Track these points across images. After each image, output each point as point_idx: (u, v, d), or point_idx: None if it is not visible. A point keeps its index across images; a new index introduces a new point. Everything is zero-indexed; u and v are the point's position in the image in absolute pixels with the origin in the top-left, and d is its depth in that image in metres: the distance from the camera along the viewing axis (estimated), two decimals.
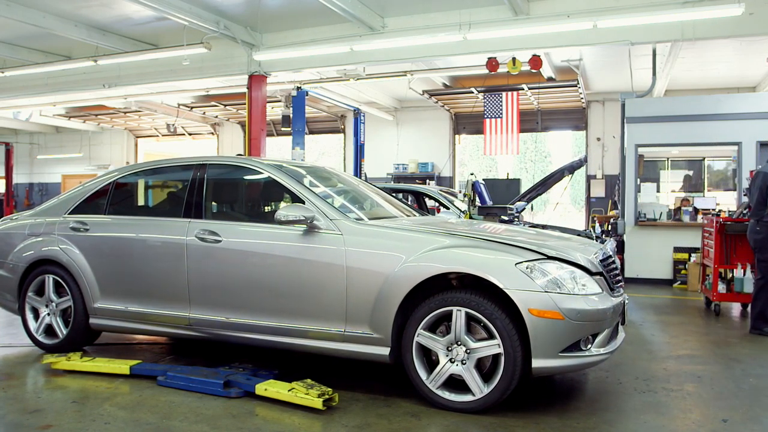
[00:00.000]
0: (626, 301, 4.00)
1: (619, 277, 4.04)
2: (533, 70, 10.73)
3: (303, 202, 4.09)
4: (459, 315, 3.53)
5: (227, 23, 9.53)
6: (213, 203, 4.60)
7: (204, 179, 4.54)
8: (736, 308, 7.32)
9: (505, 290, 3.43)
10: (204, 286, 4.27)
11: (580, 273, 3.57)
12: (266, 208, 5.05)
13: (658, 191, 11.35)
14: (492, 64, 10.28)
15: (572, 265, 3.58)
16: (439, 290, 3.64)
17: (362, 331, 3.77)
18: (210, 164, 4.65)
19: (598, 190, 15.60)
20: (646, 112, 9.58)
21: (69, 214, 4.99)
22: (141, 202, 5.47)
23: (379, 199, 5.04)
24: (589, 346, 3.52)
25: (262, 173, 4.46)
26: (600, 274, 3.69)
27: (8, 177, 19.80)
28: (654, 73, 10.09)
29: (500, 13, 8.66)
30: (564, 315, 3.38)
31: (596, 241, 6.72)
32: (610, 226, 11.66)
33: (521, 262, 3.50)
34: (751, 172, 7.97)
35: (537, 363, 3.41)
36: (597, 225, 12.97)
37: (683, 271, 9.27)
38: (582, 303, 3.45)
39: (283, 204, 4.61)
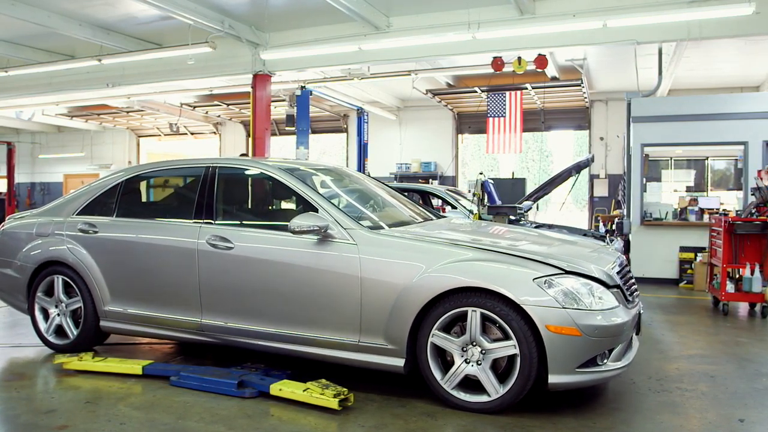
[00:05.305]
0: (641, 311, 3.97)
1: (635, 287, 4.01)
2: (538, 70, 10.71)
3: (316, 210, 4.03)
4: (474, 316, 3.51)
5: (232, 22, 9.51)
6: (224, 207, 4.52)
7: (215, 182, 4.47)
8: (743, 308, 7.30)
9: (522, 306, 3.40)
10: (215, 292, 4.22)
11: (597, 287, 3.54)
12: (279, 213, 4.96)
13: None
14: (497, 63, 10.26)
15: (589, 279, 3.55)
16: (453, 292, 3.59)
17: (377, 342, 3.72)
18: (221, 167, 4.57)
19: (601, 190, 15.61)
20: (652, 112, 9.55)
21: (77, 214, 4.94)
22: (150, 204, 5.41)
23: (392, 201, 4.98)
24: (606, 360, 3.50)
25: (274, 178, 4.35)
26: (617, 286, 3.66)
27: (10, 176, 19.74)
28: (660, 73, 10.06)
29: (506, 13, 8.63)
30: (581, 331, 3.35)
31: (604, 240, 6.72)
32: (614, 226, 11.66)
33: (539, 277, 3.47)
34: (759, 171, 7.96)
35: (554, 378, 3.39)
36: (601, 224, 12.98)
37: (689, 271, 9.24)
38: (599, 319, 3.41)
39: (294, 210, 4.53)
